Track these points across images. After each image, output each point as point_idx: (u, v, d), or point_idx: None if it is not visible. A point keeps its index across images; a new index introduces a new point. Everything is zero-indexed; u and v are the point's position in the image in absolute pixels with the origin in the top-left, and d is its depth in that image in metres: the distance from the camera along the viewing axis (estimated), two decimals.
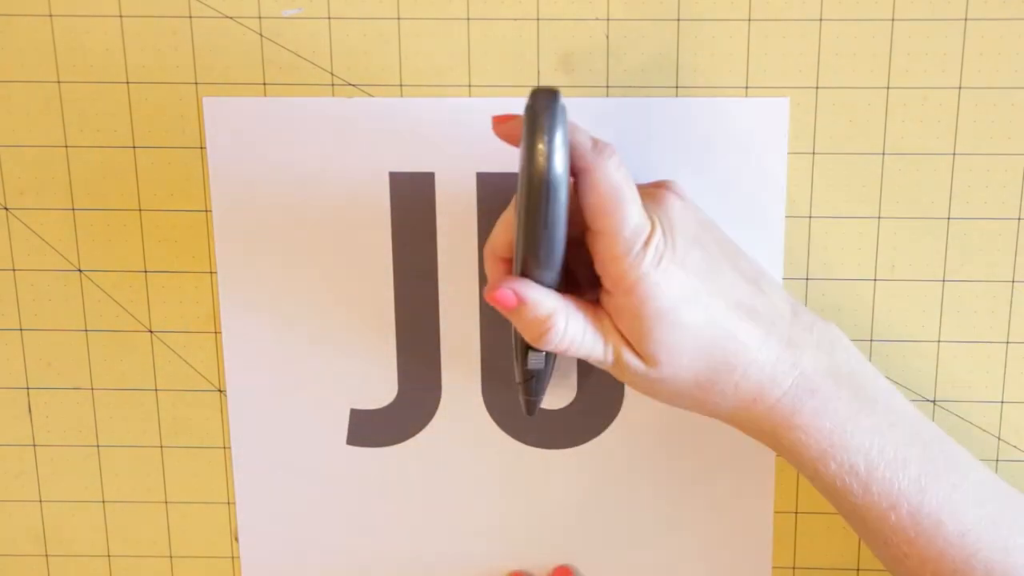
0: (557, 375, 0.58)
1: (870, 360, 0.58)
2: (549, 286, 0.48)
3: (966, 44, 0.53)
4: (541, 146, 0.43)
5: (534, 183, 0.43)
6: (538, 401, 0.54)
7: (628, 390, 0.58)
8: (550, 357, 0.52)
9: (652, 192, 0.49)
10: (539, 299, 0.47)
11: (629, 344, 0.48)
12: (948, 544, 0.47)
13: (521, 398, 0.54)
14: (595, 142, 0.46)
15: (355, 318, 0.58)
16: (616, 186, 0.46)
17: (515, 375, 0.53)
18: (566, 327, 0.48)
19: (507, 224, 0.49)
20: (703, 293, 0.47)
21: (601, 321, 0.48)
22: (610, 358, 0.48)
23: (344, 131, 0.56)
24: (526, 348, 0.50)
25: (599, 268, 0.47)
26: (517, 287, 0.47)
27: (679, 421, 0.59)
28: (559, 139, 0.43)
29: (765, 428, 0.49)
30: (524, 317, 0.47)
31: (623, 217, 0.46)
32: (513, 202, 0.49)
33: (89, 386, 0.60)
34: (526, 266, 0.47)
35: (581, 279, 0.51)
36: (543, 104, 0.43)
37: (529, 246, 0.46)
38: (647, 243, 0.46)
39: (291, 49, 0.55)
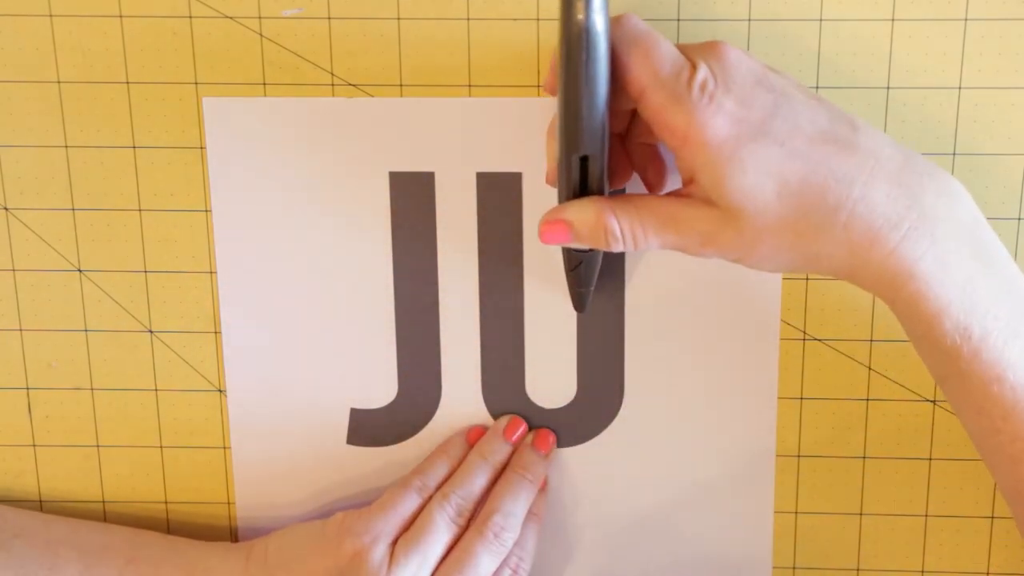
0: (557, 374, 0.58)
1: (870, 360, 0.58)
2: (597, 165, 0.47)
3: (966, 44, 0.53)
4: (579, 2, 0.43)
5: (572, 36, 0.44)
6: (588, 293, 0.53)
7: (628, 390, 0.58)
8: None
9: (703, 45, 0.47)
10: (581, 212, 0.47)
11: (712, 221, 0.46)
12: None
13: (570, 291, 0.53)
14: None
15: (355, 318, 0.58)
16: (644, 30, 0.45)
17: (564, 266, 0.53)
18: (622, 225, 0.47)
19: None
20: (775, 127, 0.45)
21: (669, 206, 0.47)
22: (692, 238, 0.47)
23: (344, 131, 0.56)
24: None
25: (658, 133, 0.46)
26: (556, 216, 0.48)
27: (679, 421, 0.59)
28: None
29: (884, 279, 0.46)
30: (581, 237, 0.48)
31: (658, 57, 0.45)
32: None
33: (89, 386, 0.60)
34: (569, 134, 0.46)
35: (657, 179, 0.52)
36: None
37: (570, 105, 0.45)
38: (689, 81, 0.44)
39: (291, 49, 0.55)
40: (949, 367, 0.46)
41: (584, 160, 0.47)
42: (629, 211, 0.47)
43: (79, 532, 0.58)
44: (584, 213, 0.48)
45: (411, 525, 0.55)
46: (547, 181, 0.51)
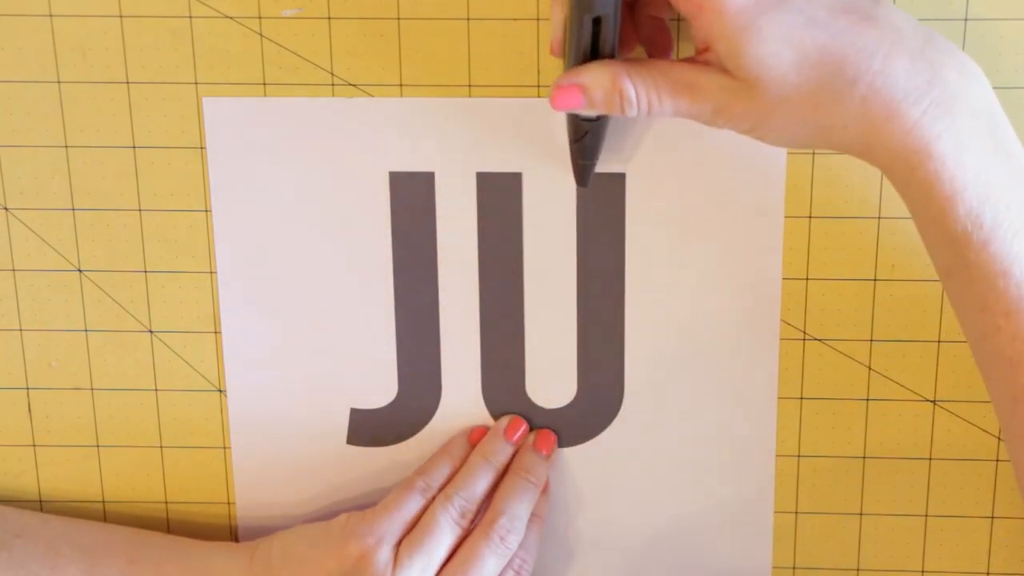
0: (557, 374, 0.58)
1: (870, 361, 0.58)
2: (609, 26, 0.46)
3: (966, 44, 0.53)
4: None
5: None
6: (591, 166, 0.52)
7: (628, 390, 0.58)
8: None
9: None
10: (596, 76, 0.46)
11: (726, 90, 0.45)
12: None
13: (573, 164, 0.52)
14: None
15: (355, 318, 0.58)
16: None
17: (568, 136, 0.51)
18: (637, 89, 0.46)
19: None
20: None
21: (684, 72, 0.46)
22: (705, 106, 0.46)
23: (344, 131, 0.56)
24: None
25: (672, 1, 0.45)
26: (569, 80, 0.46)
27: (679, 421, 0.59)
28: None
29: (900, 156, 0.44)
30: (595, 102, 0.46)
31: None
32: None
33: (89, 386, 0.60)
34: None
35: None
36: None
37: None
38: None
39: (291, 49, 0.55)
40: (956, 257, 0.45)
41: (596, 22, 0.46)
42: (644, 75, 0.46)
43: (81, 531, 0.58)
44: (599, 77, 0.46)
45: (415, 526, 0.55)
46: (551, 51, 0.49)
